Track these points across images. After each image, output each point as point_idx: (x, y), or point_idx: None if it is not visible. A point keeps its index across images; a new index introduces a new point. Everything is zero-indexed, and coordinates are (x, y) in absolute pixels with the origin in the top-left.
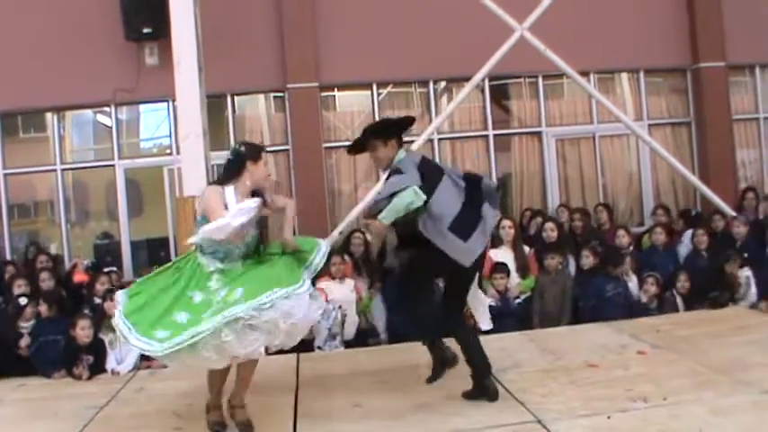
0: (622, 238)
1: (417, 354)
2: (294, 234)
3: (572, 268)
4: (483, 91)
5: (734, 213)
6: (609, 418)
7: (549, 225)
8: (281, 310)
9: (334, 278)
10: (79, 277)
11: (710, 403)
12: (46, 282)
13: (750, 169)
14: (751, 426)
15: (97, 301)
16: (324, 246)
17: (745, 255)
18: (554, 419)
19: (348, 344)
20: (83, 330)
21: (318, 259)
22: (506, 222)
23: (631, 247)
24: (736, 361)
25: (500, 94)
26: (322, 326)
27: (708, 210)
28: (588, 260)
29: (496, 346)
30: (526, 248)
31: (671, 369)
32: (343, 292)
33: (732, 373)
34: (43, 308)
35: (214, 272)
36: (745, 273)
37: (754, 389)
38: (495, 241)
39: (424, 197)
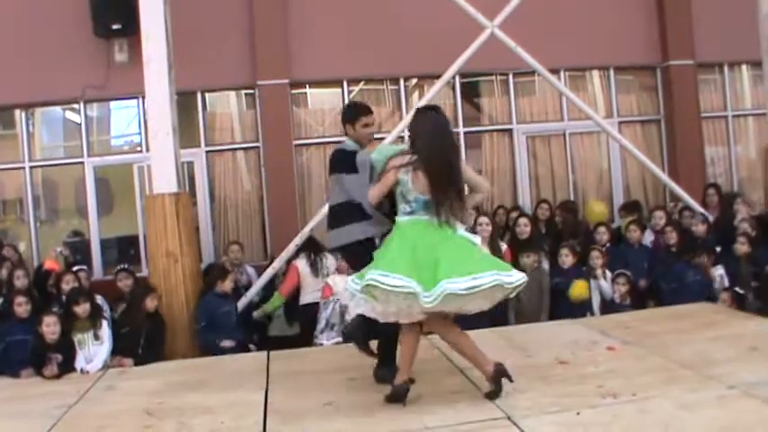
0: (602, 235)
1: None
2: None
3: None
4: (454, 88)
5: (702, 210)
6: (578, 414)
7: (523, 221)
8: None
9: (341, 273)
10: (49, 264)
11: (678, 399)
12: (21, 279)
13: (719, 166)
14: (717, 420)
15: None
16: None
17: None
18: (524, 416)
19: None
20: (48, 327)
21: None
22: (483, 219)
23: (609, 244)
24: (704, 357)
25: (471, 92)
26: (321, 316)
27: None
28: (568, 258)
29: None
30: (503, 246)
31: (640, 365)
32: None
33: (699, 369)
34: (21, 308)
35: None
36: (719, 271)
37: (721, 384)
38: None
39: None
